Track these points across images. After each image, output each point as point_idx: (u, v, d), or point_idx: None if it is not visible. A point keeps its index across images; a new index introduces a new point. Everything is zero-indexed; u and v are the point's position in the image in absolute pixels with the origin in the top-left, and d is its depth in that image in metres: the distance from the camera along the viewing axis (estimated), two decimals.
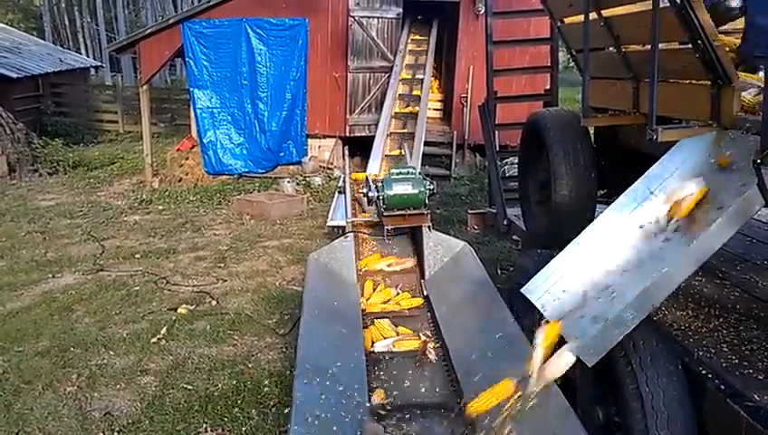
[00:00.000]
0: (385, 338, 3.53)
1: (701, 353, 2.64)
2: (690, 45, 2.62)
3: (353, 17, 10.74)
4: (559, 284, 2.63)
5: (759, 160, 2.18)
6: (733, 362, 2.56)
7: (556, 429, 2.50)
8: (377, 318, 3.76)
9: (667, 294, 2.43)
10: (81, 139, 15.64)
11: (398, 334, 3.59)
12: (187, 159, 11.25)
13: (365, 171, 8.10)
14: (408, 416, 2.86)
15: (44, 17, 27.31)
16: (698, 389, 2.48)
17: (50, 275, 6.51)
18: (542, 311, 2.57)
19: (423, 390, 3.09)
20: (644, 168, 2.75)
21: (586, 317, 2.41)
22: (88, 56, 26.55)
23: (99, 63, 23.86)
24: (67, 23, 30.57)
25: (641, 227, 2.59)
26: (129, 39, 11.36)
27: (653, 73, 2.69)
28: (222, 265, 6.84)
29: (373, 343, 3.51)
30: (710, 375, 2.47)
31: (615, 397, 2.72)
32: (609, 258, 2.57)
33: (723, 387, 2.38)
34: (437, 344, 3.50)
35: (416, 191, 4.33)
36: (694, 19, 2.50)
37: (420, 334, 3.60)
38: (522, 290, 2.73)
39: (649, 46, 2.74)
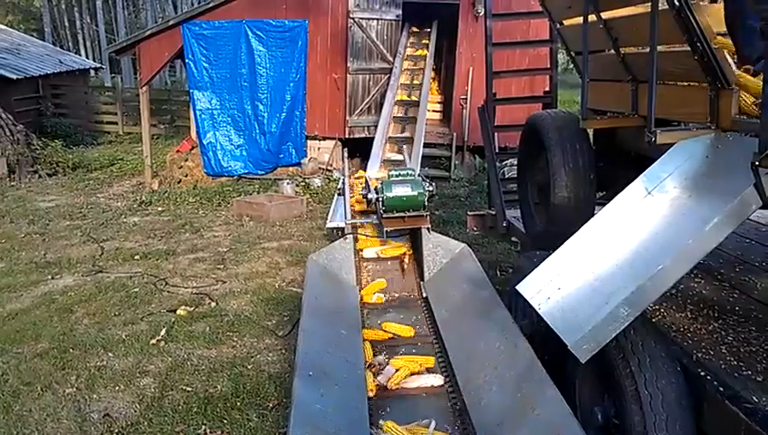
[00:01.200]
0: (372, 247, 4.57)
1: (700, 355, 2.64)
2: (689, 48, 2.63)
3: (353, 19, 10.75)
4: (554, 281, 2.63)
5: (757, 162, 2.18)
6: (732, 363, 2.56)
7: (555, 430, 2.50)
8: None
9: (661, 292, 2.44)
10: (81, 140, 15.67)
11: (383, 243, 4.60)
12: (186, 160, 11.26)
13: (364, 174, 8.10)
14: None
15: (44, 18, 27.34)
16: (697, 390, 2.48)
17: (49, 277, 6.51)
18: (536, 308, 2.58)
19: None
20: (642, 169, 2.76)
21: (580, 313, 2.42)
22: (87, 57, 26.63)
23: (98, 65, 23.90)
24: (67, 24, 30.62)
25: (637, 225, 2.59)
26: (128, 40, 11.37)
27: (652, 76, 2.70)
28: (221, 266, 6.84)
29: (362, 249, 4.53)
30: (709, 377, 2.47)
31: (614, 398, 2.72)
32: (604, 256, 2.58)
33: (722, 389, 2.38)
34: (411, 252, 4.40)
35: (415, 193, 4.32)
36: (692, 21, 2.50)
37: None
38: (517, 287, 2.74)
39: (648, 48, 2.74)
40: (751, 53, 2.69)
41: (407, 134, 10.03)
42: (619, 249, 2.56)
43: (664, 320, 3.02)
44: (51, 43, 23.89)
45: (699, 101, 2.69)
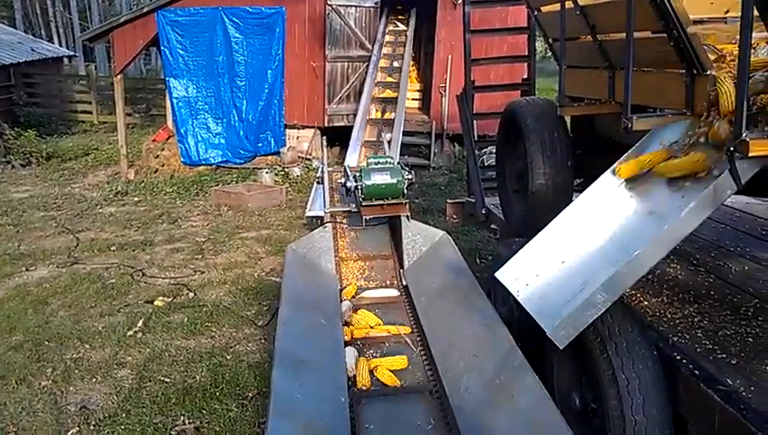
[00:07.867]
0: None
1: (676, 339, 2.67)
2: (665, 34, 2.63)
3: (331, 6, 10.65)
4: (532, 268, 2.64)
5: (732, 148, 2.20)
6: (707, 347, 2.60)
7: (533, 415, 2.52)
8: None
9: (637, 278, 2.46)
10: (55, 129, 15.40)
11: None
12: (163, 149, 11.12)
13: (343, 162, 8.09)
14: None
15: (15, 5, 26.69)
16: (673, 374, 2.52)
17: (24, 269, 6.40)
18: (515, 294, 2.59)
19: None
20: (619, 156, 2.77)
21: (558, 300, 2.43)
22: (61, 45, 26.08)
23: (72, 53, 23.43)
24: (39, 11, 29.94)
25: (614, 212, 2.61)
26: (102, 28, 11.16)
27: (628, 62, 2.70)
28: (199, 256, 6.78)
29: None
30: (684, 360, 2.50)
31: (591, 383, 2.75)
32: (581, 242, 2.59)
33: (697, 372, 2.41)
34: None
35: (394, 181, 4.32)
36: (668, 8, 2.51)
37: None
38: (495, 274, 2.75)
39: (625, 35, 2.74)
40: None
41: (386, 120, 10.00)
42: (596, 235, 2.58)
43: (640, 305, 3.05)
44: (22, 31, 23.35)
45: (675, 87, 2.70)
